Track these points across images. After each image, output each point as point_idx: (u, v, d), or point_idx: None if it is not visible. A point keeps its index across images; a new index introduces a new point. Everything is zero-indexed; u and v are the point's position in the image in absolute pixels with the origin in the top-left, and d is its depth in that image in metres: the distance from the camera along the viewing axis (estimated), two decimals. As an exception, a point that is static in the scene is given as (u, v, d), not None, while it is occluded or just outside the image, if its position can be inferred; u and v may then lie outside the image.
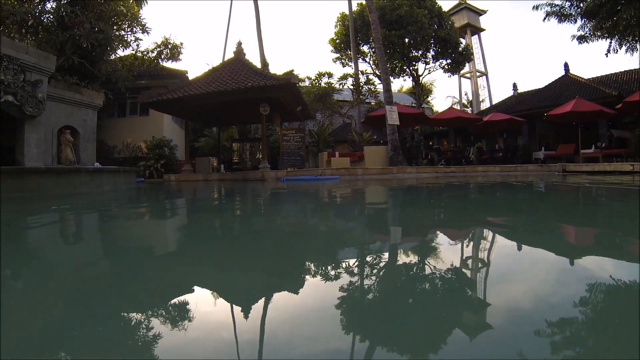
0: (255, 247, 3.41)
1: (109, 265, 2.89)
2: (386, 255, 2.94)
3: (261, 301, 1.87)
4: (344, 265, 2.52)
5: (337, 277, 2.23)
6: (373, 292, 2.00)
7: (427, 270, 2.33)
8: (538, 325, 1.37)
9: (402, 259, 2.77)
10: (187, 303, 1.83)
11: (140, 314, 1.71)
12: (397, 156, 23.31)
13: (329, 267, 2.48)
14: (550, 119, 24.80)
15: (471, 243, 3.26)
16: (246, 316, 1.61)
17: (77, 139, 16.46)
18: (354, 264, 2.58)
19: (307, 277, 2.33)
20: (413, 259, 2.72)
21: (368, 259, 2.78)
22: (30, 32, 17.15)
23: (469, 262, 2.53)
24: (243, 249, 3.29)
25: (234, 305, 1.79)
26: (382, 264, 2.60)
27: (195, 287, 2.16)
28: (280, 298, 1.92)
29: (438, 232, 3.91)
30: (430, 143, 37.67)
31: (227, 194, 11.54)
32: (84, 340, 1.44)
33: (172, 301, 1.89)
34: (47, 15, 17.72)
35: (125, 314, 1.73)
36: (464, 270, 2.35)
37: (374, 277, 2.27)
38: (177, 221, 6.17)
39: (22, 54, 13.39)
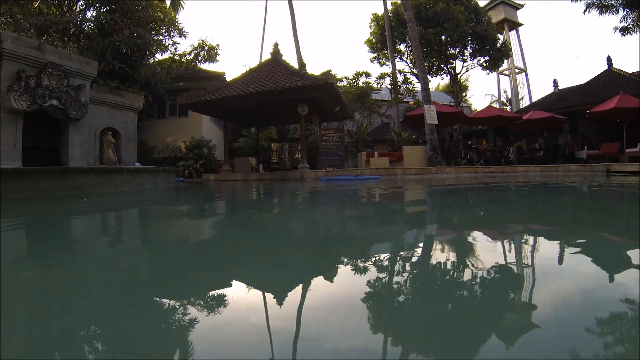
0: (294, 243, 3.53)
1: (158, 257, 3.09)
2: (425, 255, 2.87)
3: (297, 296, 1.91)
4: (382, 263, 2.51)
5: (373, 274, 2.22)
6: (411, 292, 1.98)
7: (466, 273, 2.24)
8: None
9: (440, 259, 2.69)
10: (225, 295, 1.91)
11: (181, 302, 1.84)
12: (436, 156, 22.92)
13: (366, 265, 2.47)
14: (592, 117, 23.56)
15: (512, 248, 3.02)
16: (282, 309, 1.68)
17: (118, 140, 17.11)
18: (393, 263, 2.57)
19: (343, 273, 2.35)
20: (451, 259, 2.65)
21: (408, 258, 2.75)
22: (72, 39, 17.94)
23: (509, 267, 2.42)
24: (281, 245, 3.38)
25: (270, 297, 1.86)
26: (421, 264, 2.55)
27: (234, 281, 2.28)
28: (316, 293, 1.94)
29: (478, 234, 3.79)
30: (469, 142, 36.74)
31: (265, 193, 11.61)
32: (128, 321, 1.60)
33: (213, 293, 1.98)
34: (87, 23, 18.55)
35: (167, 303, 1.86)
36: (504, 275, 2.23)
37: (411, 277, 2.23)
38: (217, 218, 6.37)
39: (66, 61, 14.09)
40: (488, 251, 2.91)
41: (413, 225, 4.69)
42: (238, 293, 2.01)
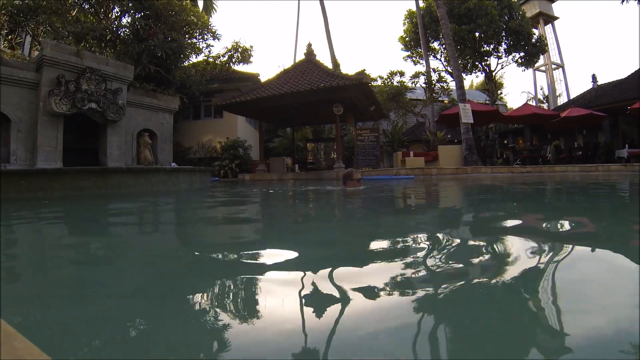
0: (330, 241, 3.45)
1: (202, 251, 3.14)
2: (463, 257, 2.74)
3: (332, 294, 1.89)
4: (418, 265, 2.44)
5: (411, 277, 2.16)
6: (445, 294, 1.90)
7: (509, 277, 2.13)
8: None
9: (480, 262, 2.55)
10: (259, 296, 1.92)
11: (216, 296, 1.90)
12: (472, 156, 22.32)
13: (405, 267, 2.39)
14: (634, 113, 22.43)
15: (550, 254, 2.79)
16: (318, 307, 1.67)
17: (154, 140, 17.59)
18: (428, 264, 2.49)
19: (381, 274, 2.25)
20: (492, 263, 2.52)
21: (444, 260, 2.63)
22: (109, 45, 18.54)
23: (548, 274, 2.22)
24: (318, 242, 3.36)
25: (306, 294, 1.86)
26: (458, 267, 2.45)
27: (272, 277, 2.27)
28: (351, 292, 1.91)
29: (516, 237, 3.46)
30: (505, 142, 35.86)
31: (302, 193, 11.44)
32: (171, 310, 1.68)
33: (246, 294, 1.98)
34: (123, 29, 19.13)
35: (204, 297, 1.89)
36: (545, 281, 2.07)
37: (446, 280, 2.14)
38: (255, 215, 6.38)
39: (103, 66, 14.62)
40: (536, 257, 2.66)
41: (454, 227, 4.41)
42: (273, 294, 1.99)
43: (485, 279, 2.11)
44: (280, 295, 1.88)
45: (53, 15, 18.14)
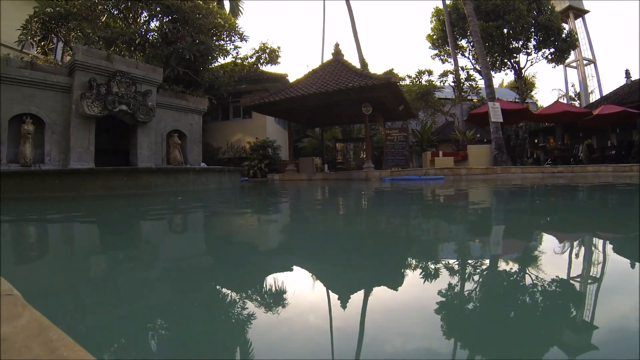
0: (360, 244, 3.48)
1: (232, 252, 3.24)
2: (492, 261, 2.76)
3: (359, 294, 1.94)
4: (447, 267, 2.45)
5: (436, 278, 2.19)
6: (473, 297, 1.90)
7: (536, 281, 2.09)
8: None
9: (509, 266, 2.54)
10: (285, 291, 1.99)
11: (243, 296, 1.95)
12: (501, 155, 22.00)
13: (431, 268, 2.44)
14: None
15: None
16: (344, 307, 1.71)
17: (184, 141, 17.74)
18: (457, 266, 2.51)
19: (408, 275, 2.32)
20: (522, 267, 2.47)
21: (472, 263, 2.64)
22: (138, 49, 18.88)
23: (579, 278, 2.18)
24: (348, 245, 3.38)
25: (333, 295, 1.89)
26: (487, 270, 2.47)
27: (298, 276, 2.37)
28: (379, 293, 1.96)
29: (548, 241, 3.53)
30: (536, 141, 34.57)
31: (331, 193, 11.49)
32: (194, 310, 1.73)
33: (275, 289, 2.04)
34: (152, 33, 19.57)
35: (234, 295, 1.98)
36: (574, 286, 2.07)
37: (476, 282, 2.16)
38: (284, 216, 6.41)
39: (133, 69, 14.89)
40: (556, 260, 2.64)
41: (479, 230, 4.37)
42: (301, 290, 2.08)
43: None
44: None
45: (83, 21, 18.55)
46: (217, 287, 2.22)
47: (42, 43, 19.21)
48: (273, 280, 2.25)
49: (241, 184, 16.45)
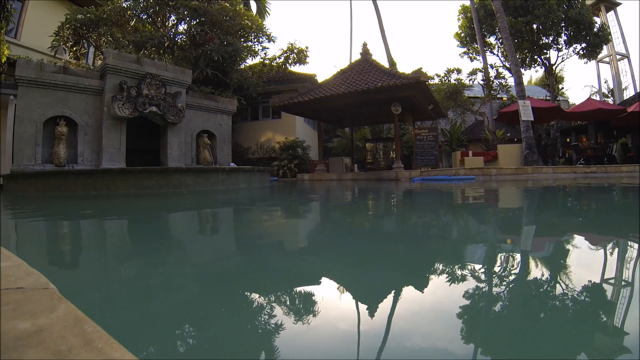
0: (388, 245, 3.43)
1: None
2: (521, 264, 2.68)
3: (383, 296, 1.92)
4: (474, 270, 2.41)
5: (465, 281, 2.16)
6: (502, 301, 1.87)
7: (567, 287, 2.01)
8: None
9: (540, 269, 2.47)
10: (313, 293, 2.00)
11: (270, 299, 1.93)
12: (532, 155, 21.36)
13: (461, 271, 2.39)
14: None
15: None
16: (370, 309, 1.70)
17: (213, 141, 17.84)
18: (485, 270, 2.47)
19: (434, 277, 2.30)
20: (553, 271, 2.39)
21: (502, 266, 2.60)
22: (167, 51, 19.09)
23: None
24: (376, 247, 3.32)
25: (357, 298, 1.89)
26: (516, 273, 2.41)
27: (324, 278, 2.34)
28: (405, 295, 1.95)
29: (580, 244, 3.41)
30: (568, 140, 33.15)
31: (361, 194, 11.31)
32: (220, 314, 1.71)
33: (302, 292, 2.03)
34: (180, 36, 19.84)
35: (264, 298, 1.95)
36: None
37: (504, 286, 2.13)
38: (314, 216, 6.39)
39: (162, 71, 15.08)
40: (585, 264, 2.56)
41: (510, 232, 4.23)
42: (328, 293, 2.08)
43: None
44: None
45: (113, 26, 19.02)
46: (245, 286, 2.22)
47: (74, 48, 19.74)
48: (301, 278, 2.30)
49: (271, 184, 16.51)
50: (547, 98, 33.67)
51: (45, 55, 17.49)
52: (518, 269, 2.54)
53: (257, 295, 1.99)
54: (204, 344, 1.46)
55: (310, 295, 1.98)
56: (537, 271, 2.43)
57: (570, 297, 1.85)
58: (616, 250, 3.05)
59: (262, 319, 1.66)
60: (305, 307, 1.79)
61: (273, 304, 1.86)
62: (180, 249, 3.52)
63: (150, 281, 2.32)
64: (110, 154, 13.65)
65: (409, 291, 2.04)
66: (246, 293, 2.08)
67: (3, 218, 6.21)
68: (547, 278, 2.22)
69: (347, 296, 1.96)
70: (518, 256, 2.96)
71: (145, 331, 1.55)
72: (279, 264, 2.74)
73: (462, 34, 35.53)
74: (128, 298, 1.99)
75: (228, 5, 19.73)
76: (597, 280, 2.14)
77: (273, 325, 1.58)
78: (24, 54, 15.71)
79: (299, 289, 2.09)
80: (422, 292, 1.98)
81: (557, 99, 35.07)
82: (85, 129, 13.71)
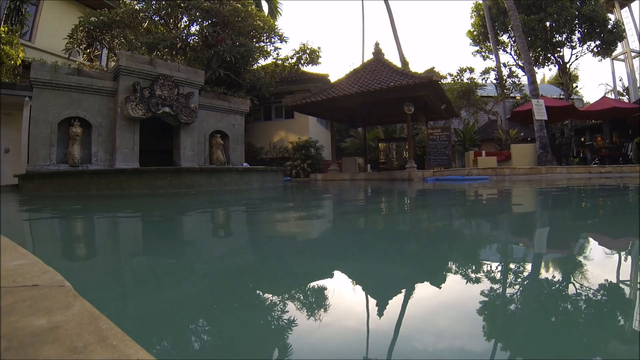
0: (402, 245, 3.43)
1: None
2: (538, 265, 2.64)
3: (397, 294, 1.92)
4: (489, 270, 2.37)
5: (478, 281, 2.13)
6: (516, 302, 1.85)
7: (583, 288, 1.95)
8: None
9: (556, 270, 2.43)
10: (325, 289, 2.02)
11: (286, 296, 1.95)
12: (546, 155, 21.09)
13: (474, 271, 2.38)
14: None
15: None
16: (388, 308, 1.70)
17: (226, 141, 17.88)
18: (500, 270, 2.42)
19: (449, 276, 2.29)
20: (569, 272, 2.34)
21: (518, 266, 2.58)
22: (180, 52, 19.21)
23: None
24: (392, 246, 3.31)
25: (369, 297, 1.88)
26: (532, 275, 2.36)
27: (337, 277, 2.35)
28: (418, 293, 1.95)
29: (598, 246, 3.33)
30: (582, 139, 32.01)
31: (374, 193, 11.19)
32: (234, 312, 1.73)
33: (314, 289, 2.05)
34: (192, 37, 19.90)
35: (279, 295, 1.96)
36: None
37: (519, 286, 2.09)
38: (328, 216, 6.32)
39: (175, 72, 15.14)
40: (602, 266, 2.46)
41: (532, 233, 4.06)
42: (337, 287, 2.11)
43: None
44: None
45: (126, 28, 19.17)
46: (258, 285, 2.23)
47: (88, 50, 19.99)
48: (314, 276, 2.33)
49: (284, 184, 16.54)
50: (561, 97, 33.24)
51: (59, 58, 17.71)
52: (534, 270, 2.50)
53: (273, 293, 2.01)
54: (218, 339, 1.49)
55: (329, 293, 1.98)
56: (555, 273, 2.40)
57: (589, 299, 1.81)
58: (636, 252, 2.96)
59: (280, 316, 1.67)
60: (324, 305, 1.80)
61: (291, 301, 1.87)
62: (195, 248, 3.54)
63: (164, 279, 2.34)
64: (124, 154, 13.74)
65: (425, 289, 2.04)
66: (261, 291, 2.10)
67: (20, 217, 6.39)
68: (565, 280, 2.17)
69: (367, 295, 1.94)
70: (535, 257, 2.91)
71: (159, 329, 1.57)
72: (294, 262, 2.76)
73: (475, 32, 35.28)
74: (143, 296, 2.02)
75: (240, 6, 19.76)
76: (615, 281, 2.10)
77: (295, 321, 1.59)
78: (39, 57, 15.93)
79: (316, 286, 2.11)
80: (440, 289, 1.98)
81: (571, 97, 34.54)
82: (99, 129, 13.81)
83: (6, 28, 16.06)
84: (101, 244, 3.90)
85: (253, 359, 1.36)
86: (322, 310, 1.71)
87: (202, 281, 2.32)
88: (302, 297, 1.92)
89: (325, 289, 2.04)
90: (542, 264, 2.64)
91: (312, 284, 2.18)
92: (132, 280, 2.38)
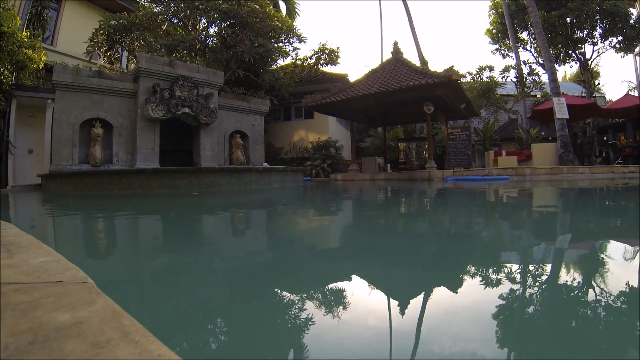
0: (426, 246, 3.40)
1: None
2: (558, 268, 2.56)
3: (416, 296, 1.91)
4: (511, 271, 2.37)
5: (499, 283, 2.08)
6: (535, 304, 1.81)
7: (607, 294, 1.86)
8: None
9: (578, 273, 2.35)
10: (344, 290, 2.00)
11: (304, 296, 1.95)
12: (568, 154, 20.67)
13: (496, 273, 2.31)
14: None
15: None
16: (401, 310, 1.67)
17: (246, 141, 17.85)
18: (522, 271, 2.40)
19: (471, 279, 2.23)
20: (592, 276, 2.25)
21: (539, 268, 2.50)
22: (199, 54, 19.29)
23: None
24: (410, 246, 3.32)
25: (390, 298, 1.87)
26: (555, 276, 2.30)
27: (357, 277, 2.33)
28: (436, 295, 1.93)
29: (620, 249, 3.17)
30: (605, 138, 30.78)
31: (394, 194, 11.10)
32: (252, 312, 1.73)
33: (333, 289, 2.03)
34: (211, 38, 20.00)
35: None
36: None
37: (540, 289, 2.04)
38: (349, 216, 6.28)
39: (194, 73, 15.21)
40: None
41: (554, 235, 3.89)
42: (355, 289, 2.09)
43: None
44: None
45: (145, 31, 19.40)
46: (278, 284, 2.22)
47: (108, 53, 20.26)
48: (333, 277, 2.32)
49: (304, 184, 16.51)
50: (583, 95, 32.66)
51: (80, 61, 17.96)
52: (562, 274, 2.42)
53: (293, 292, 2.02)
54: (237, 337, 1.51)
55: (348, 293, 1.97)
56: (575, 277, 2.31)
57: (615, 307, 1.73)
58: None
59: (298, 315, 1.68)
60: (344, 304, 1.79)
61: (310, 301, 1.88)
62: (214, 247, 3.56)
63: (184, 278, 2.33)
64: (144, 154, 13.83)
65: (445, 291, 2.01)
66: (280, 290, 2.10)
67: (43, 215, 6.58)
68: (591, 286, 2.06)
69: (388, 296, 1.93)
70: (562, 261, 2.82)
71: (180, 326, 1.58)
72: (317, 262, 2.79)
73: (494, 30, 34.83)
74: (163, 294, 2.04)
75: (257, 7, 19.81)
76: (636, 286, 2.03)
77: (314, 320, 1.60)
78: (61, 60, 16.16)
79: (336, 287, 2.10)
80: (460, 293, 1.94)
81: (593, 95, 33.93)
82: (119, 130, 13.93)
83: (28, 33, 16.33)
84: (122, 242, 3.96)
85: (272, 359, 1.36)
86: (342, 309, 1.72)
87: (221, 280, 2.36)
88: (323, 297, 1.93)
89: (344, 289, 2.04)
90: (571, 267, 2.55)
91: (332, 284, 2.17)
92: (152, 278, 2.43)
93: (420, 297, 1.91)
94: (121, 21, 18.91)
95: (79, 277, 1.33)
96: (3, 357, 0.75)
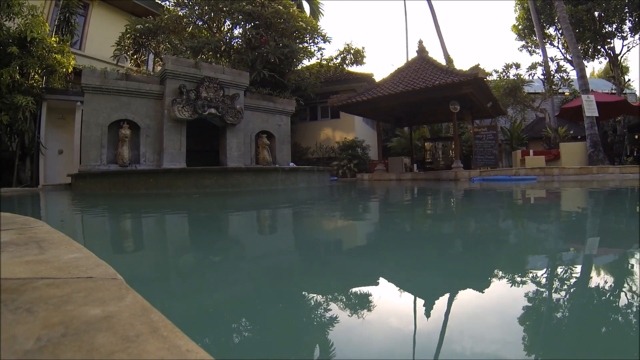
0: (449, 248, 3.33)
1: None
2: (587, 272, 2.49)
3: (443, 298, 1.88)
4: (535, 275, 2.30)
5: (523, 285, 2.05)
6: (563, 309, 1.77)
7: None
8: None
9: (607, 279, 2.26)
10: (370, 293, 1.96)
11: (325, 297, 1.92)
12: (597, 154, 19.96)
13: (521, 276, 2.26)
14: None
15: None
16: (427, 312, 1.65)
17: (272, 141, 17.89)
18: (548, 275, 2.34)
19: (493, 281, 2.20)
20: (619, 280, 2.21)
21: (566, 272, 2.43)
22: (224, 55, 19.37)
23: None
24: (437, 249, 3.23)
25: (416, 299, 1.85)
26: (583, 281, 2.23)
27: (380, 279, 2.31)
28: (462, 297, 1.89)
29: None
30: (636, 137, 31.05)
31: (421, 194, 10.92)
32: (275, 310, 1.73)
33: (357, 291, 2.00)
34: (236, 40, 20.01)
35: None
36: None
37: (566, 293, 1.99)
38: (377, 218, 6.17)
39: (220, 74, 15.28)
40: None
41: (583, 238, 3.78)
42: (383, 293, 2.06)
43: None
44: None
45: (171, 34, 19.58)
46: (302, 285, 2.24)
47: (135, 56, 20.55)
48: (358, 278, 2.31)
49: (330, 184, 16.34)
50: (613, 91, 31.74)
51: (108, 64, 18.10)
52: (586, 279, 2.34)
53: (320, 292, 2.03)
54: (263, 334, 1.52)
55: (375, 293, 1.99)
56: (609, 283, 2.18)
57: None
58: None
59: (323, 315, 1.69)
60: (361, 305, 1.80)
61: (335, 302, 1.87)
62: (242, 246, 3.61)
63: (211, 276, 2.41)
64: (171, 154, 13.93)
65: (471, 293, 1.98)
66: (306, 290, 2.11)
67: (73, 213, 6.74)
68: (621, 291, 2.00)
69: (415, 297, 1.91)
70: (589, 265, 2.73)
71: (208, 323, 1.63)
72: (344, 263, 2.78)
73: (520, 26, 33.95)
74: (190, 291, 2.09)
75: (281, 8, 19.83)
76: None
77: (338, 319, 1.60)
78: (89, 64, 16.30)
79: (367, 287, 2.11)
80: (484, 294, 1.93)
81: (624, 92, 32.84)
82: (147, 131, 14.09)
83: (57, 38, 16.61)
84: (150, 240, 4.04)
85: (297, 358, 1.37)
86: (366, 310, 1.72)
87: (246, 278, 2.37)
88: (349, 297, 1.93)
89: (369, 290, 2.03)
90: (599, 273, 2.46)
91: (358, 284, 2.16)
92: (180, 275, 2.47)
93: (445, 298, 1.88)
94: (147, 25, 19.16)
95: (109, 273, 1.37)
96: (36, 348, 0.77)
